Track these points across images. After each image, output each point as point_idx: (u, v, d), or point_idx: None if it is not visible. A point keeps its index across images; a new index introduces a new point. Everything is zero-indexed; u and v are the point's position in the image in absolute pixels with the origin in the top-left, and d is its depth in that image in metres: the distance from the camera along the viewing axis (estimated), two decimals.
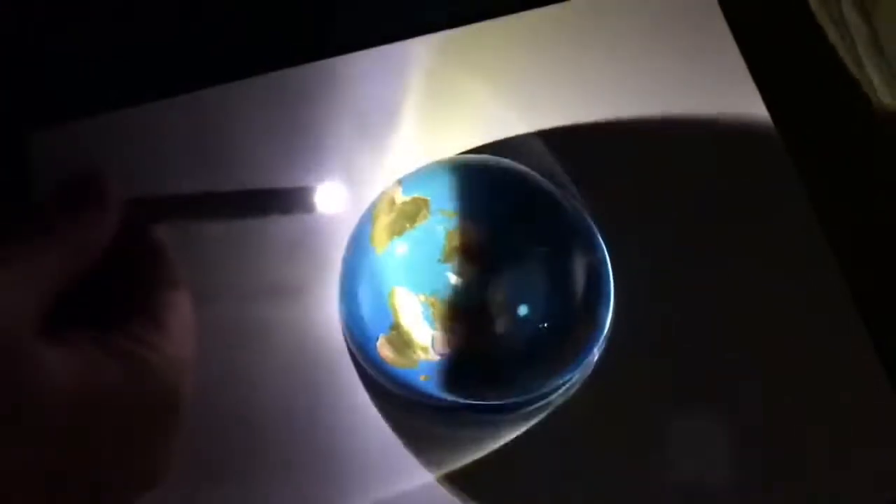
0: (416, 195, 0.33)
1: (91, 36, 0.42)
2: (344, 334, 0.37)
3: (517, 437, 0.37)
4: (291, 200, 0.33)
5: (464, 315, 0.31)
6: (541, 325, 0.32)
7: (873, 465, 0.37)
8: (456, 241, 0.31)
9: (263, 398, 0.36)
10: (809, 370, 0.38)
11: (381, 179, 0.39)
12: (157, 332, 0.25)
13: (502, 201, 0.33)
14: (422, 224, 0.32)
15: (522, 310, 0.31)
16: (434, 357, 0.32)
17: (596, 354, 0.37)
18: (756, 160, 0.41)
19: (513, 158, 0.36)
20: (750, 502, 0.37)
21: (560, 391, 0.36)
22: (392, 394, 0.36)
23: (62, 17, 0.42)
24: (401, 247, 0.32)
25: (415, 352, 0.32)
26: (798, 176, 0.41)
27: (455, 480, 0.36)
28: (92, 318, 0.24)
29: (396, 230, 0.33)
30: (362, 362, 0.36)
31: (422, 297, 0.31)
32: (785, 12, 0.45)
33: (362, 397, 0.37)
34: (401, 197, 0.34)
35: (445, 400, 0.34)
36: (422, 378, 0.33)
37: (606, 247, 0.36)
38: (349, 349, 0.37)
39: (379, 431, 0.37)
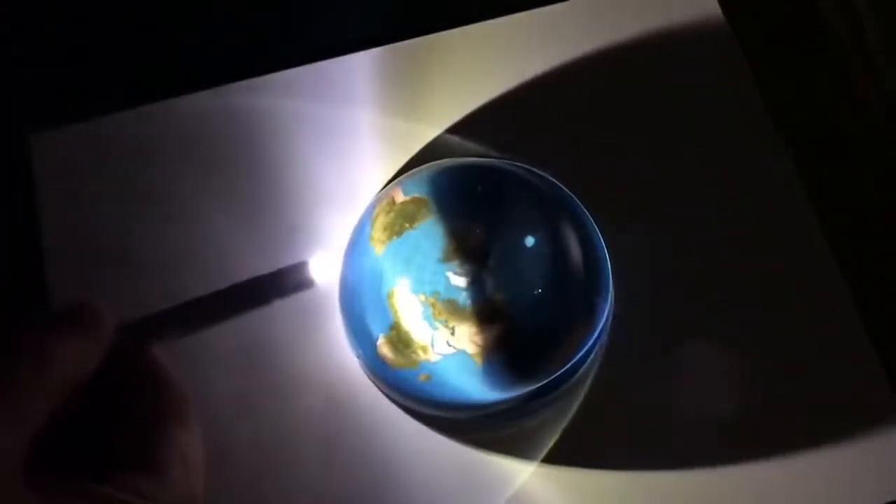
0: (415, 195, 0.33)
1: (90, 36, 0.42)
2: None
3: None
4: (281, 283, 0.33)
5: (464, 314, 0.31)
6: (541, 323, 0.32)
7: (873, 465, 0.37)
8: (455, 241, 0.32)
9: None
10: (809, 370, 0.38)
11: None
12: (157, 479, 0.22)
13: (500, 200, 0.33)
14: (421, 224, 0.32)
15: (522, 308, 0.31)
16: (434, 357, 0.32)
17: (598, 346, 0.37)
18: (756, 160, 0.41)
19: (502, 158, 0.36)
20: (749, 501, 0.37)
21: (566, 384, 0.36)
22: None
23: (62, 18, 0.42)
24: (400, 247, 0.32)
25: (414, 352, 0.32)
26: (798, 176, 0.41)
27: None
28: (86, 463, 0.22)
29: (396, 230, 0.33)
30: (362, 365, 0.36)
31: (421, 297, 0.31)
32: (785, 12, 0.45)
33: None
34: (400, 197, 0.34)
35: (445, 402, 0.34)
36: (421, 378, 0.33)
37: (606, 246, 0.36)
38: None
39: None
